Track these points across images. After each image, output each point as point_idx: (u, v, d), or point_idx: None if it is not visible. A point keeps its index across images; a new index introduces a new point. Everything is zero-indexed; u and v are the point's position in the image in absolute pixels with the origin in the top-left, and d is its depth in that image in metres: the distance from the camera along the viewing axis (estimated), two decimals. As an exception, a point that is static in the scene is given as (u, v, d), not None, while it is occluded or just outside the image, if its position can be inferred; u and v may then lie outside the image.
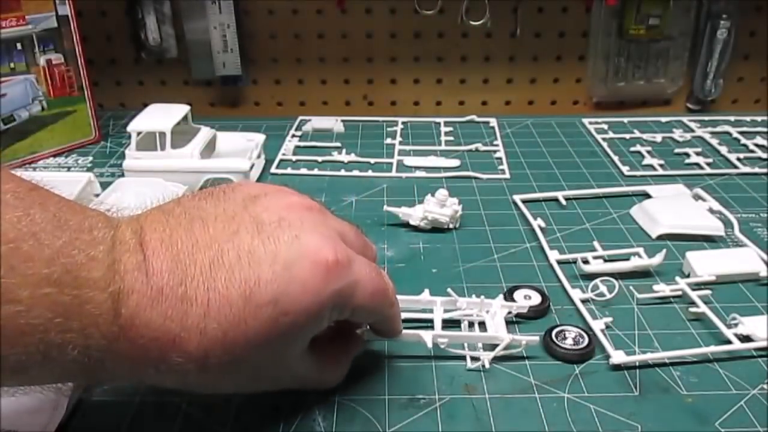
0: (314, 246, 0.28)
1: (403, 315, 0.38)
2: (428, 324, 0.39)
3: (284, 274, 0.27)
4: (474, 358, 0.37)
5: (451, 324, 0.39)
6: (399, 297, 0.37)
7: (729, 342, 0.38)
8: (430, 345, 0.36)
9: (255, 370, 0.29)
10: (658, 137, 0.69)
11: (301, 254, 0.28)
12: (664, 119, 0.75)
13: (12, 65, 0.59)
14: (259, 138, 0.62)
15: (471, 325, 0.40)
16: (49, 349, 0.23)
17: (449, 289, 0.40)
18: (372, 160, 0.64)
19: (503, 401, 0.34)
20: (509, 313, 0.40)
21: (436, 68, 0.79)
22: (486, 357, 0.36)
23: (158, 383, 0.29)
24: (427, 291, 0.40)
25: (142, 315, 0.25)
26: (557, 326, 0.39)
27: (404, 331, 0.37)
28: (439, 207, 0.51)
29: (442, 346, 0.37)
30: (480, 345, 0.37)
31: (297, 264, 0.27)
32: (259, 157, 0.62)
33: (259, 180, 0.60)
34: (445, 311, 0.40)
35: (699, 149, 0.66)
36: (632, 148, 0.67)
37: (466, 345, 0.38)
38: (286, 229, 0.28)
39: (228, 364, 0.27)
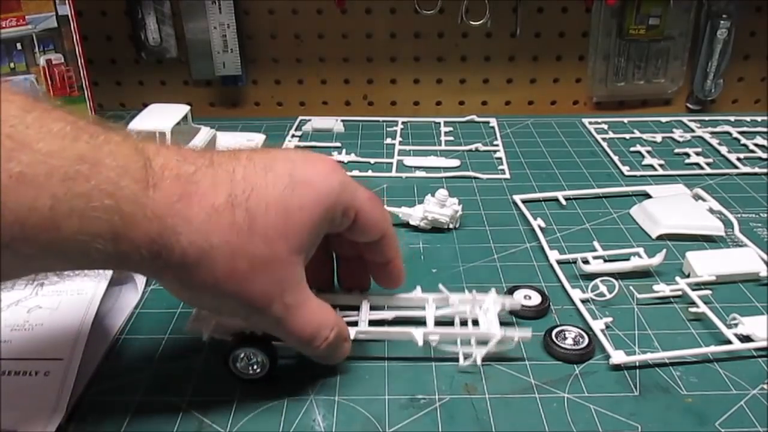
0: (323, 158, 0.33)
1: (395, 314, 0.38)
2: (421, 322, 0.38)
3: (300, 162, 0.31)
4: (466, 356, 0.36)
5: (444, 322, 0.39)
6: (390, 295, 0.38)
7: (729, 342, 0.38)
8: (420, 343, 0.36)
9: (254, 270, 0.29)
10: (658, 137, 0.69)
11: (313, 159, 0.32)
12: (664, 119, 0.75)
13: (12, 65, 0.59)
14: (259, 138, 0.62)
15: (464, 323, 0.38)
16: (76, 192, 0.24)
17: (441, 285, 0.40)
18: (372, 160, 0.64)
19: (503, 401, 0.34)
20: (502, 309, 0.39)
21: (436, 68, 0.79)
22: (478, 353, 0.36)
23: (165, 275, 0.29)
24: (419, 288, 0.40)
25: (168, 170, 0.28)
26: (557, 326, 0.39)
27: (395, 329, 0.37)
28: (439, 207, 0.51)
29: (433, 344, 0.36)
30: (473, 342, 0.37)
31: (310, 161, 0.32)
32: (259, 157, 0.61)
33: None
34: (438, 308, 0.39)
35: (699, 149, 0.66)
36: (632, 148, 0.67)
37: (459, 342, 0.37)
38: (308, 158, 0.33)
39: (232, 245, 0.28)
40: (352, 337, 0.36)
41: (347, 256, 0.37)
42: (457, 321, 0.39)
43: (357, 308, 0.38)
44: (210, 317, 0.36)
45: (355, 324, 0.37)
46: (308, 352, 0.34)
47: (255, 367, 0.35)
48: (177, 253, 0.28)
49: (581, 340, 0.38)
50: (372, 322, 0.38)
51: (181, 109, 0.59)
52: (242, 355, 0.35)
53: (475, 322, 0.38)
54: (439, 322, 0.38)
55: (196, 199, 0.28)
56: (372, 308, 0.39)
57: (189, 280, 0.29)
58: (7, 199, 0.23)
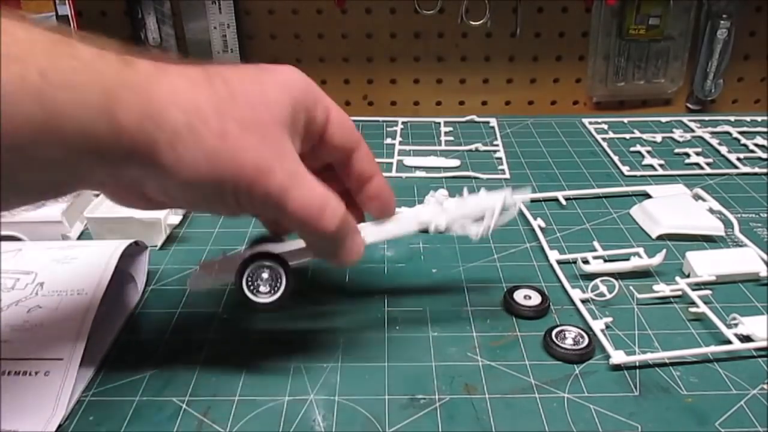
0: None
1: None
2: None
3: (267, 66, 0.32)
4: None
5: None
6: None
7: (729, 342, 0.38)
8: (433, 229, 0.36)
9: (246, 133, 0.29)
10: (658, 137, 0.69)
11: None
12: (664, 119, 0.75)
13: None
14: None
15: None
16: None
17: (441, 190, 0.40)
18: (372, 160, 0.64)
19: (503, 401, 0.34)
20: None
21: (436, 68, 0.79)
22: (491, 223, 0.37)
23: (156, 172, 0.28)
24: (404, 208, 0.39)
25: (139, 56, 0.28)
26: (557, 326, 0.39)
27: (396, 223, 0.36)
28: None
29: (434, 230, 0.37)
30: (468, 222, 0.37)
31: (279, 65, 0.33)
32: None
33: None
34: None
35: (699, 149, 0.66)
36: (632, 148, 0.67)
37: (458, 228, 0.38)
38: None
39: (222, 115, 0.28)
40: (366, 241, 0.35)
41: (336, 191, 0.35)
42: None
43: None
44: (211, 266, 0.35)
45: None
46: (319, 240, 0.32)
47: (271, 283, 0.34)
48: (171, 115, 0.27)
49: (581, 340, 0.38)
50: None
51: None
52: (255, 273, 0.34)
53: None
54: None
55: (173, 71, 0.28)
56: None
57: (185, 149, 0.27)
58: None
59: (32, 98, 0.24)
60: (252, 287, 0.34)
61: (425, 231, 0.38)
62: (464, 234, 0.37)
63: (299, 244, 0.35)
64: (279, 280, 0.34)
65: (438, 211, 0.36)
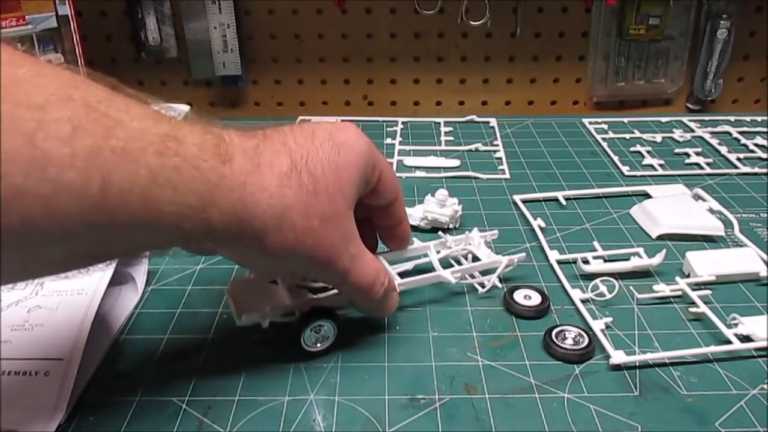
0: (349, 124, 0.36)
1: (402, 267, 0.42)
2: (428, 267, 0.42)
3: (334, 129, 0.34)
4: (480, 285, 0.43)
5: (442, 264, 0.42)
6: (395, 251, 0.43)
7: (729, 342, 0.38)
8: (453, 281, 0.41)
9: (325, 226, 0.32)
10: (658, 137, 0.69)
11: (343, 126, 0.35)
12: (664, 119, 0.75)
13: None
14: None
15: (457, 260, 0.44)
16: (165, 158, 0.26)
17: (440, 232, 0.47)
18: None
19: (503, 401, 0.34)
20: (486, 241, 0.45)
21: (436, 68, 0.79)
22: (494, 280, 0.42)
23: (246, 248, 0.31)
24: (415, 240, 0.44)
25: (236, 146, 0.30)
26: (557, 326, 0.39)
27: (427, 275, 0.41)
28: (439, 207, 0.51)
29: (455, 281, 0.41)
30: (477, 273, 0.43)
31: (341, 127, 0.35)
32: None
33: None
34: (437, 252, 0.44)
35: (699, 149, 0.66)
36: (632, 148, 0.67)
37: (468, 276, 0.43)
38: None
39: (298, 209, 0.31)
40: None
41: (360, 222, 0.38)
42: (462, 260, 0.44)
43: None
44: (259, 304, 0.37)
45: None
46: (366, 302, 0.37)
47: (324, 338, 0.37)
48: (258, 218, 0.30)
49: (581, 340, 0.38)
50: (400, 275, 0.41)
51: (181, 109, 0.59)
52: (311, 330, 0.37)
53: (475, 259, 0.44)
54: (443, 262, 0.42)
55: (265, 168, 0.30)
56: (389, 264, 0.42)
57: (270, 244, 0.31)
58: (111, 173, 0.24)
59: (138, 197, 0.25)
60: (306, 341, 0.37)
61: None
62: (472, 283, 0.43)
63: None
64: (331, 332, 0.38)
65: (451, 271, 0.42)
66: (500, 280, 0.43)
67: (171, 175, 0.26)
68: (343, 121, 0.73)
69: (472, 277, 0.43)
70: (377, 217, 0.40)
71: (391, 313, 0.39)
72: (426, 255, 0.43)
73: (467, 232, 0.45)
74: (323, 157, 0.32)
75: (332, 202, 0.32)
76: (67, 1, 0.61)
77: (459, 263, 0.44)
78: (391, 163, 0.63)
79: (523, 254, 0.44)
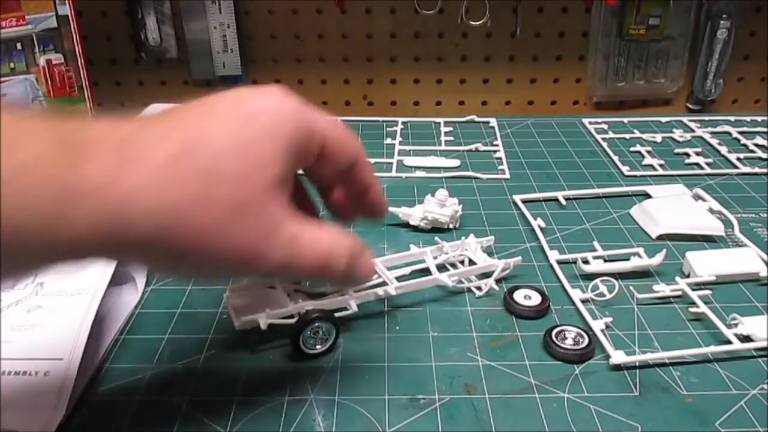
0: (272, 87, 0.30)
1: (399, 272, 0.42)
2: (425, 273, 0.43)
3: (245, 96, 0.29)
4: (477, 288, 0.43)
5: (439, 269, 0.43)
6: (393, 256, 0.44)
7: (729, 342, 0.38)
8: (451, 284, 0.41)
9: (236, 215, 0.27)
10: (658, 137, 0.69)
11: (261, 90, 0.30)
12: (664, 119, 0.75)
13: (12, 65, 0.59)
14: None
15: (453, 265, 0.45)
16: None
17: (437, 237, 0.47)
18: (372, 160, 0.64)
19: (503, 401, 0.34)
20: (482, 246, 0.46)
21: (436, 68, 0.79)
22: (491, 283, 0.43)
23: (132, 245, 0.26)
24: (412, 245, 0.45)
25: (96, 142, 0.25)
26: (557, 326, 0.39)
27: (425, 278, 0.41)
28: (439, 207, 0.51)
29: (452, 284, 0.42)
30: (474, 277, 0.43)
31: (257, 92, 0.29)
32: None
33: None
34: (434, 258, 0.44)
35: (699, 149, 0.66)
36: (632, 148, 0.67)
37: (465, 280, 0.43)
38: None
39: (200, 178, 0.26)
40: (392, 293, 0.39)
41: (327, 186, 0.35)
42: (459, 265, 0.45)
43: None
44: (257, 308, 0.37)
45: (384, 284, 0.40)
46: (333, 279, 0.34)
47: (322, 339, 0.37)
48: (135, 227, 0.24)
49: (581, 340, 0.38)
50: (399, 279, 0.41)
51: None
52: (310, 332, 0.36)
53: (471, 262, 0.45)
54: (440, 267, 0.43)
55: (137, 163, 0.25)
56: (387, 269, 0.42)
57: (164, 254, 0.26)
58: None
59: None
60: (305, 343, 0.37)
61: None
62: (469, 287, 0.43)
63: None
64: (330, 333, 0.37)
65: (448, 274, 0.42)
66: (497, 282, 0.43)
67: (23, 186, 0.22)
68: (342, 121, 0.73)
69: (469, 281, 0.43)
70: (340, 185, 0.35)
71: (368, 279, 0.36)
72: (423, 261, 0.44)
73: (463, 238, 0.46)
74: (221, 135, 0.27)
75: (240, 188, 0.26)
76: (67, 1, 0.61)
77: (456, 268, 0.44)
78: (391, 164, 0.63)
79: (520, 258, 0.44)
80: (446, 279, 0.41)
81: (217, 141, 0.26)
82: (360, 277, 0.34)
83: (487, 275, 0.43)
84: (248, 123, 0.28)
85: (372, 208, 0.36)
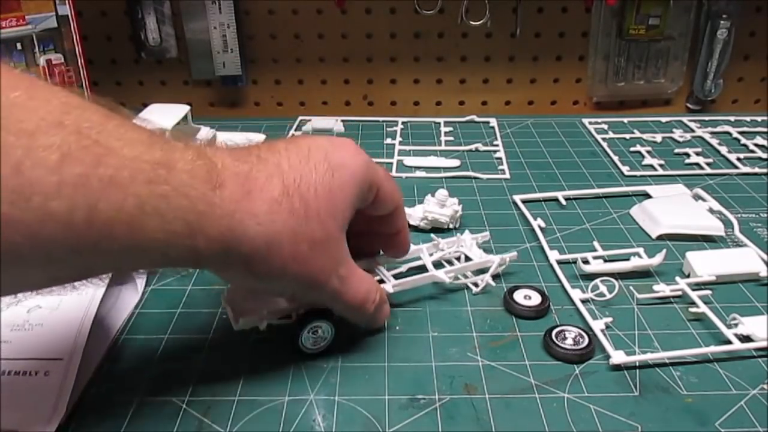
0: (347, 141, 0.36)
1: (396, 270, 0.43)
2: (422, 270, 0.43)
3: (330, 147, 0.34)
4: (474, 284, 0.43)
5: (436, 266, 0.43)
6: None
7: (729, 342, 0.38)
8: (447, 280, 0.42)
9: (314, 251, 0.32)
10: (658, 137, 0.69)
11: (340, 144, 0.35)
12: (664, 119, 0.75)
13: (12, 65, 0.59)
14: (259, 138, 0.63)
15: (449, 262, 0.45)
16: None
17: (432, 235, 0.47)
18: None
19: (503, 401, 0.34)
20: (477, 243, 0.46)
21: (436, 68, 0.79)
22: (488, 279, 0.43)
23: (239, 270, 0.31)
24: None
25: (228, 170, 0.30)
26: (557, 326, 0.39)
27: (421, 275, 0.42)
28: (439, 207, 0.51)
29: (449, 281, 0.42)
30: (470, 273, 0.44)
31: (338, 145, 0.35)
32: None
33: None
34: (430, 255, 0.44)
35: (699, 149, 0.66)
36: (632, 148, 0.67)
37: (462, 276, 0.43)
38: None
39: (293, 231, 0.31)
40: (390, 291, 0.40)
41: (359, 231, 0.39)
42: (455, 261, 0.45)
43: (370, 272, 0.41)
44: (255, 309, 0.37)
45: (382, 282, 0.41)
46: (358, 317, 0.37)
47: (321, 338, 0.37)
48: (246, 244, 0.30)
49: (581, 340, 0.38)
50: (396, 276, 0.42)
51: (181, 109, 0.59)
52: (309, 332, 0.37)
53: (467, 259, 0.45)
54: (436, 264, 0.44)
55: (256, 194, 0.30)
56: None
57: (257, 269, 0.31)
58: (98, 201, 0.24)
59: (124, 225, 0.25)
60: (304, 342, 0.37)
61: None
62: (465, 283, 0.44)
63: None
64: (328, 332, 0.38)
65: (444, 271, 0.42)
66: (494, 278, 0.43)
67: (159, 203, 0.26)
68: (342, 121, 0.73)
69: (466, 276, 0.44)
70: (377, 224, 0.40)
71: (383, 323, 0.40)
72: (419, 258, 0.44)
73: (459, 235, 0.46)
74: (317, 180, 0.32)
75: (323, 227, 0.32)
76: (67, 1, 0.61)
77: (452, 265, 0.44)
78: (391, 164, 0.63)
79: (516, 253, 0.45)
80: (443, 275, 0.42)
81: (311, 186, 0.32)
82: (382, 320, 0.39)
83: (483, 271, 0.43)
84: (335, 173, 0.33)
85: (398, 248, 0.41)
